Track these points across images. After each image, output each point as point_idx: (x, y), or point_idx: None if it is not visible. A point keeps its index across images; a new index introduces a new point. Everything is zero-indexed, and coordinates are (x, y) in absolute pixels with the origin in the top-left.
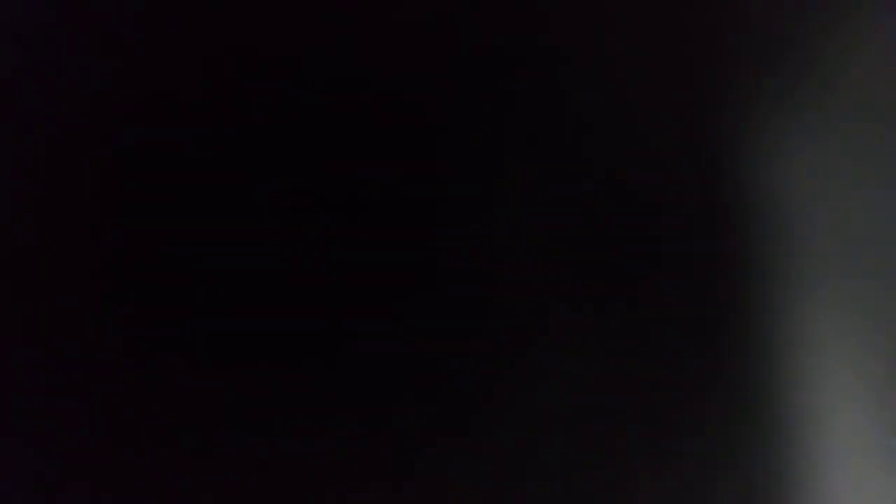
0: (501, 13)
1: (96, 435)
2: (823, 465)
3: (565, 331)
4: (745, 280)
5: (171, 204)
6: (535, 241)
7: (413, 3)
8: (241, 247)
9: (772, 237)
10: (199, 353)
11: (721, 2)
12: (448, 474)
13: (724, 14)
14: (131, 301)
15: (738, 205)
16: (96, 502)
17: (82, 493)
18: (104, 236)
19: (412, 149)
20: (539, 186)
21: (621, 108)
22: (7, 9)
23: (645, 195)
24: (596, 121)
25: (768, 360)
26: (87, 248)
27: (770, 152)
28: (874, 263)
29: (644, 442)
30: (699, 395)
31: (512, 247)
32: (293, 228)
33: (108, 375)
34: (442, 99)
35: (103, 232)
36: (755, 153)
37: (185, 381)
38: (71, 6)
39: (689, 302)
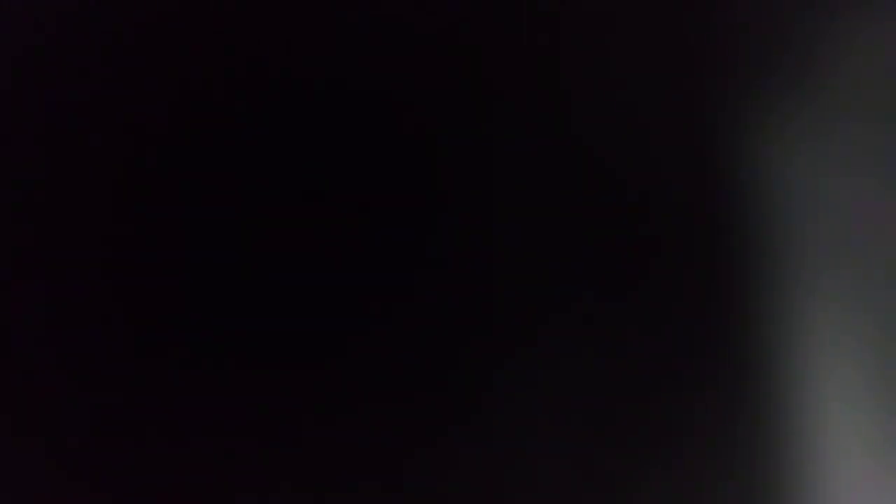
0: (500, 12)
1: (97, 435)
2: (823, 464)
3: (564, 330)
4: (744, 279)
5: (172, 204)
6: (534, 241)
7: (412, 2)
8: (241, 247)
9: (770, 236)
10: (198, 353)
11: (720, 2)
12: (446, 474)
13: (722, 14)
14: (130, 302)
15: (737, 204)
16: (97, 501)
17: (83, 493)
18: (107, 237)
19: (409, 148)
20: (537, 186)
21: (619, 108)
22: (8, 9)
23: (643, 195)
24: (594, 120)
25: (768, 359)
26: (90, 248)
27: (769, 152)
28: (874, 263)
29: (643, 442)
30: (698, 394)
31: (510, 246)
32: (292, 229)
33: (108, 375)
34: (438, 98)
35: (106, 232)
36: (754, 153)
37: (184, 382)
38: (73, 8)
39: (687, 302)
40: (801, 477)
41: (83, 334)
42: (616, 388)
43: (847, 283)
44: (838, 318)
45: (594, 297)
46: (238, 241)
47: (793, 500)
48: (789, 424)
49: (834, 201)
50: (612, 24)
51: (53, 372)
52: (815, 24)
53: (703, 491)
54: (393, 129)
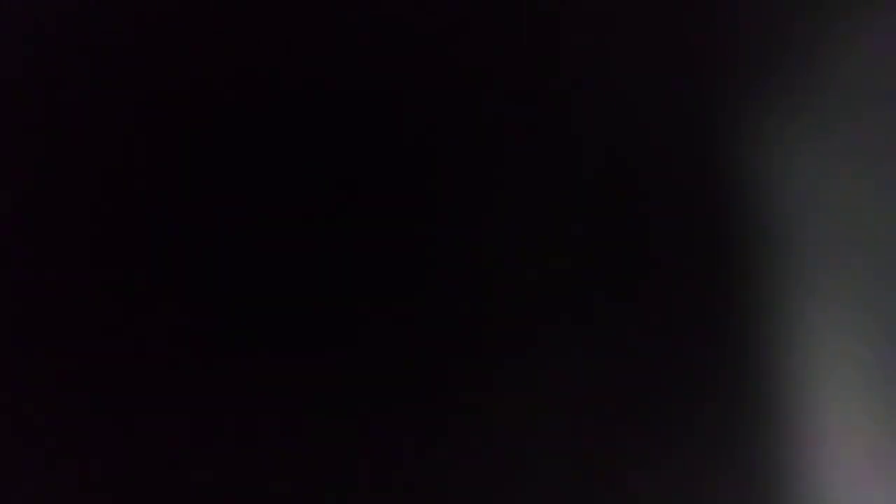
0: (500, 12)
1: (97, 435)
2: (823, 463)
3: (563, 330)
4: (744, 279)
5: (170, 204)
6: (533, 241)
7: (412, 2)
8: (239, 248)
9: (770, 236)
10: (197, 352)
11: (720, 2)
12: (445, 474)
13: (722, 14)
14: (131, 297)
15: (737, 204)
16: (97, 500)
17: (83, 492)
18: (108, 235)
19: (409, 148)
20: (537, 186)
21: (619, 108)
22: (7, 9)
23: (643, 194)
24: (594, 120)
25: (767, 358)
26: (92, 245)
27: (769, 151)
28: (873, 262)
29: (642, 441)
30: (698, 394)
31: (509, 246)
32: (291, 229)
33: (109, 372)
34: (438, 98)
35: (107, 231)
36: (754, 153)
37: (184, 381)
38: (72, 8)
39: (687, 301)
40: (801, 476)
41: (83, 330)
42: (615, 388)
43: (847, 283)
44: (838, 318)
45: (594, 296)
46: (237, 242)
47: (792, 500)
48: (789, 424)
49: (834, 201)
50: (612, 24)
51: (53, 371)
52: (815, 24)
53: (702, 490)
54: (392, 129)
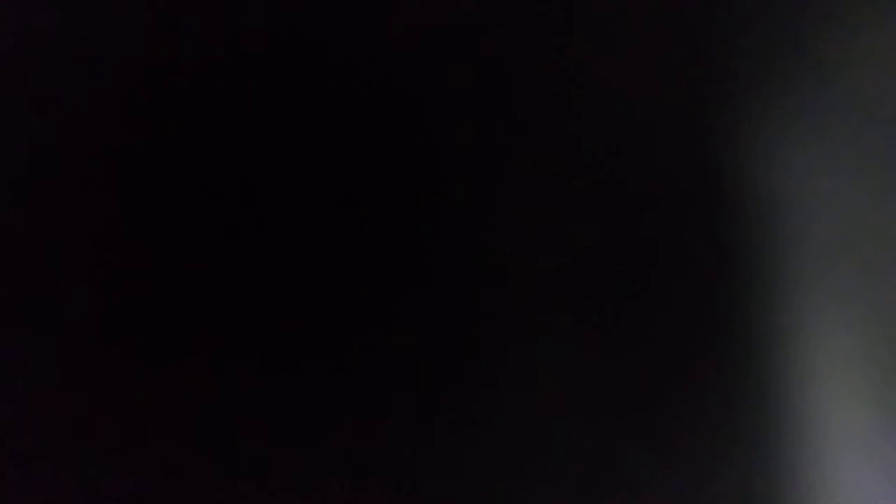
0: (501, 10)
1: (96, 435)
2: (822, 461)
3: (564, 328)
4: (744, 279)
5: (172, 203)
6: (537, 240)
7: (416, 3)
8: (240, 246)
9: (770, 236)
10: (200, 353)
11: (721, 2)
12: (451, 469)
13: (723, 14)
14: (130, 300)
15: (737, 204)
16: (97, 499)
17: (83, 491)
18: (108, 237)
19: (408, 147)
20: (539, 186)
21: (620, 109)
22: (8, 7)
23: (644, 195)
24: (594, 121)
25: (767, 358)
26: (91, 249)
27: (769, 152)
28: (872, 262)
29: (642, 439)
30: (698, 392)
31: (513, 246)
32: (292, 229)
33: (108, 375)
34: (438, 94)
35: (107, 233)
36: (754, 153)
37: (185, 382)
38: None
39: (687, 301)
40: (801, 473)
41: (85, 335)
42: (617, 386)
43: (847, 283)
44: (837, 316)
45: (596, 295)
46: (237, 241)
47: (792, 496)
48: (789, 422)
49: (833, 201)
50: (612, 25)
51: (55, 374)
52: (815, 24)
53: (703, 488)
54: (394, 131)
